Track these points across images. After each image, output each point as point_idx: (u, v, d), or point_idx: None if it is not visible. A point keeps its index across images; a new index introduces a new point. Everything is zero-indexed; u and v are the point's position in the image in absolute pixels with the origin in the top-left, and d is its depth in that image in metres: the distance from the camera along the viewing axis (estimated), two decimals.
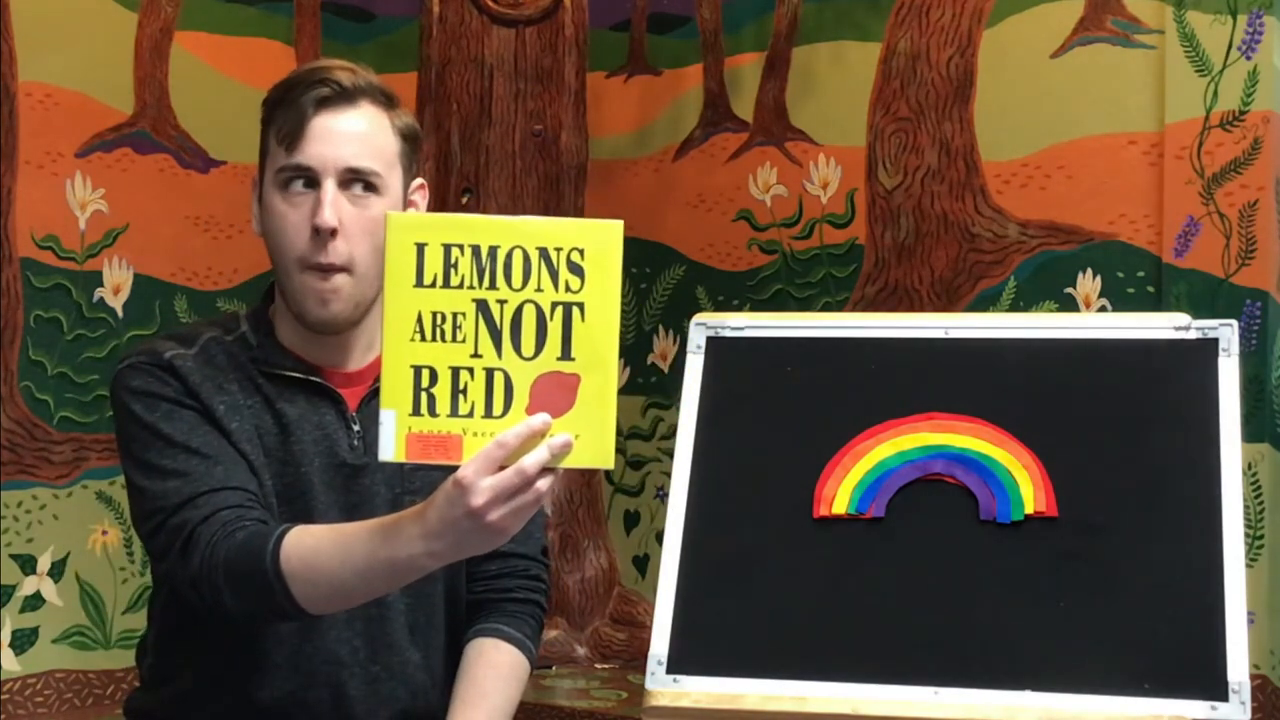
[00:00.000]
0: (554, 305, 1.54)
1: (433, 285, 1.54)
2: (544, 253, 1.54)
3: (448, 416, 1.54)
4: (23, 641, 4.01)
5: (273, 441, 1.87)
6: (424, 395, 1.53)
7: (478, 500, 1.53)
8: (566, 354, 1.54)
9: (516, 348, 1.54)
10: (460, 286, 1.54)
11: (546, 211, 4.53)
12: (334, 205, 1.82)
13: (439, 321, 1.54)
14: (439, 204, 4.55)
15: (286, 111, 1.84)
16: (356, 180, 1.85)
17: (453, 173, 4.53)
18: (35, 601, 4.04)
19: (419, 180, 1.97)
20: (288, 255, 1.85)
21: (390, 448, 1.54)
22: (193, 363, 1.86)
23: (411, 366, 1.54)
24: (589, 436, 1.54)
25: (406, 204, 1.93)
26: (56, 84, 4.08)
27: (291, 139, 1.83)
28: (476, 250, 1.54)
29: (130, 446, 1.87)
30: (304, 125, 1.82)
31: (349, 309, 1.87)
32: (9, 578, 4.00)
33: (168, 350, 1.87)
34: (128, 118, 4.25)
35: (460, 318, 1.54)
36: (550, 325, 1.54)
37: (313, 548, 1.72)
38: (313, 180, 1.83)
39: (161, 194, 4.28)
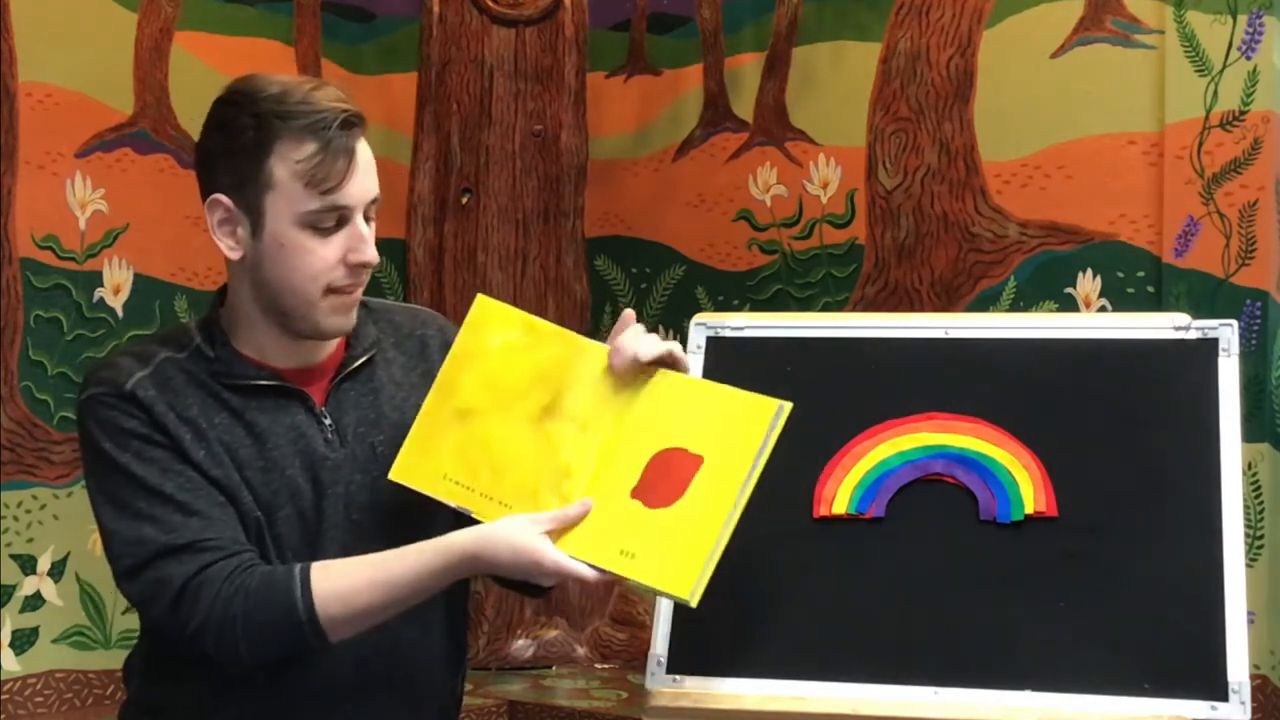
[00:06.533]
0: None
1: None
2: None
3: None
4: (23, 641, 4.01)
5: (249, 453, 1.87)
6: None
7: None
8: None
9: None
10: None
11: (545, 210, 4.54)
12: (371, 240, 1.86)
13: None
14: (439, 203, 4.55)
15: (316, 153, 1.80)
16: (370, 207, 1.88)
17: (453, 172, 4.52)
18: (35, 601, 4.04)
19: None
20: (314, 283, 1.85)
21: None
22: (153, 389, 1.85)
23: None
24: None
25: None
26: (56, 84, 4.07)
27: (329, 182, 1.81)
28: None
29: (102, 483, 1.86)
30: (346, 172, 1.82)
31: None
32: (9, 578, 3.99)
33: (128, 378, 1.85)
34: (128, 118, 4.24)
35: None
36: None
37: (350, 587, 1.78)
38: (342, 216, 1.85)
39: (161, 194, 4.27)
